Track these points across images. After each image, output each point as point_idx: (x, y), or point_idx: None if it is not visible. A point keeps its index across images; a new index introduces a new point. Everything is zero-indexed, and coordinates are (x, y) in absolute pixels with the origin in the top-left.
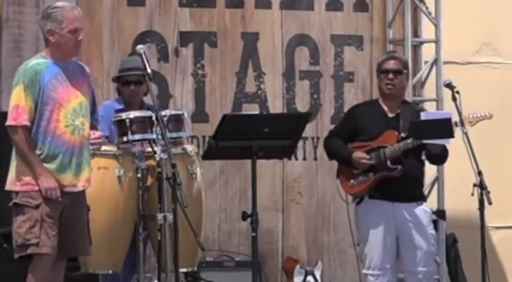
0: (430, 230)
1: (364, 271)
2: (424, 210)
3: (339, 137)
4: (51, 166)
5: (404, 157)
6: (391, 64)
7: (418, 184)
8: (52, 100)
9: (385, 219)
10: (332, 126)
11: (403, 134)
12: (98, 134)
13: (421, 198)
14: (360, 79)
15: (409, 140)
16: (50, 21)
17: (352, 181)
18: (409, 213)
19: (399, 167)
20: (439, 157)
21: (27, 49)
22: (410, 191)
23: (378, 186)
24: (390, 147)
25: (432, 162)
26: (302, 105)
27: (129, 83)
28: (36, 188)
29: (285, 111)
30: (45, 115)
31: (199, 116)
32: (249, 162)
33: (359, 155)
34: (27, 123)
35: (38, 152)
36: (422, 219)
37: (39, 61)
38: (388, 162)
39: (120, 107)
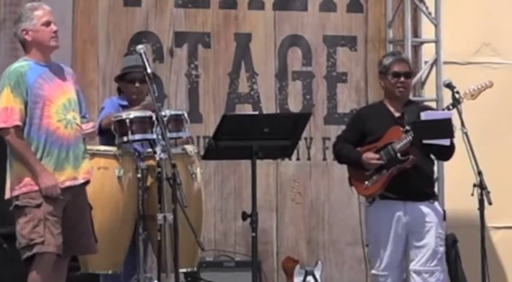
0: (441, 229)
1: (373, 271)
2: (436, 210)
3: (348, 141)
4: (49, 163)
5: (412, 149)
6: (402, 67)
7: (429, 182)
8: (41, 98)
9: (396, 219)
10: (325, 127)
11: (407, 127)
12: (90, 124)
13: (433, 197)
14: (354, 80)
15: None
16: (22, 22)
17: (366, 182)
18: (421, 212)
19: (410, 157)
20: (446, 151)
21: None
22: (423, 189)
23: (391, 185)
24: (397, 141)
25: (439, 156)
26: (294, 105)
27: (134, 81)
28: (35, 188)
29: (278, 111)
30: (36, 113)
31: (193, 116)
32: (243, 162)
33: (368, 155)
34: (18, 123)
35: (34, 150)
36: (434, 218)
37: (22, 64)
38: (399, 155)
39: (125, 103)
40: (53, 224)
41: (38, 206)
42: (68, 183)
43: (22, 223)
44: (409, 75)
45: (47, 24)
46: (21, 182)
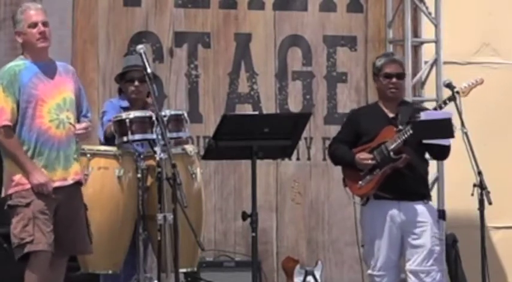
0: (436, 229)
1: (369, 272)
2: (431, 209)
3: (343, 142)
4: (39, 163)
5: (405, 148)
6: (394, 68)
7: (423, 183)
8: (33, 97)
9: (390, 219)
10: (325, 127)
11: (400, 127)
12: (83, 124)
13: (427, 197)
14: (354, 80)
15: (407, 128)
16: (15, 25)
17: (360, 182)
18: (415, 211)
19: (403, 155)
20: (442, 151)
21: None
22: (417, 189)
23: (385, 185)
24: (391, 141)
25: (436, 156)
26: (294, 105)
27: (134, 80)
28: (26, 186)
29: (278, 111)
30: (28, 113)
31: (193, 116)
32: (243, 162)
33: (361, 156)
34: (7, 123)
35: (25, 150)
36: (429, 218)
37: (17, 63)
38: (392, 154)
39: (125, 104)
40: (43, 222)
41: (28, 204)
42: (57, 184)
43: (14, 223)
44: (401, 76)
45: (34, 25)
46: (13, 181)
